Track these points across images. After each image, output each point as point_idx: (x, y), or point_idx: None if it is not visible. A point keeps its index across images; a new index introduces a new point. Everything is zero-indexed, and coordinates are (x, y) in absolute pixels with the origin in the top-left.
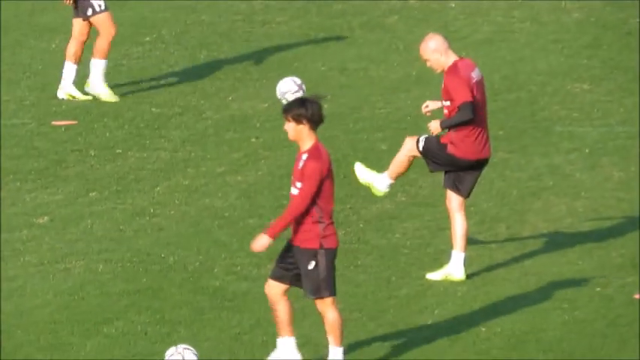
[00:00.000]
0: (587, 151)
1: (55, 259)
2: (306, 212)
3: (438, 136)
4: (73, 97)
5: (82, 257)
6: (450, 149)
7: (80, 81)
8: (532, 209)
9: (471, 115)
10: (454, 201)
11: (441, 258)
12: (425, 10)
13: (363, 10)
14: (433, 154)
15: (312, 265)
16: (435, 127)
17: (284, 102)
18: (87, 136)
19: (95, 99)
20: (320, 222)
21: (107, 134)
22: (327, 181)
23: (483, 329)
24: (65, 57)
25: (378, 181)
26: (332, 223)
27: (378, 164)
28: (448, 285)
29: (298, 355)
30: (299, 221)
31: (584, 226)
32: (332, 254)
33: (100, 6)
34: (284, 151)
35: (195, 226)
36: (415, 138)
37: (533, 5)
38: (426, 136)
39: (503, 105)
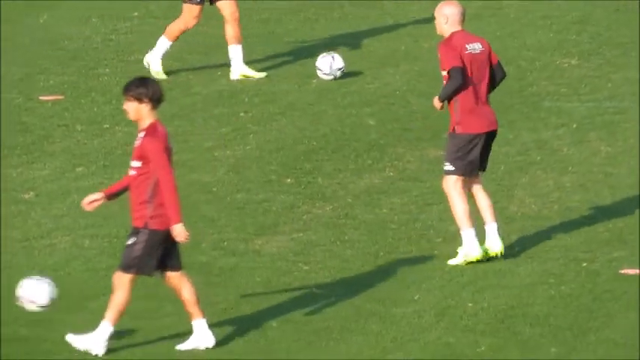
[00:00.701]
0: (574, 126)
1: (40, 235)
2: (138, 192)
3: (449, 140)
4: (248, 77)
5: (68, 233)
6: (459, 130)
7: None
8: (519, 184)
9: (460, 79)
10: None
11: (428, 233)
12: None
13: None
14: (457, 157)
15: (131, 241)
16: (435, 102)
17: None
18: (74, 111)
19: (82, 75)
20: (149, 202)
21: (94, 109)
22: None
23: (470, 304)
24: (230, 41)
25: (466, 250)
26: (162, 204)
27: (366, 138)
28: (435, 260)
29: (212, 339)
30: (133, 200)
31: (572, 200)
32: (156, 235)
33: None
34: (273, 125)
35: (182, 201)
36: (444, 181)
37: None
38: (444, 167)
39: None
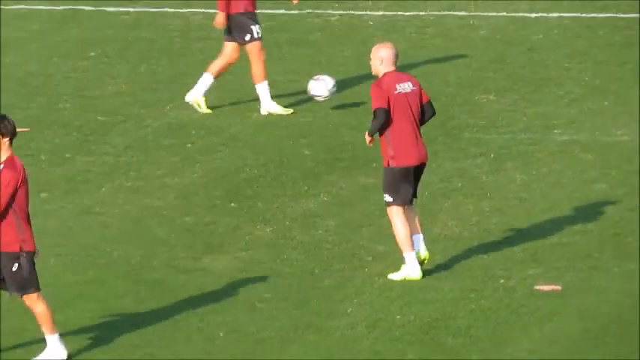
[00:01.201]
0: (492, 156)
1: None
2: (3, 218)
3: (385, 174)
4: (275, 114)
5: None
6: (393, 164)
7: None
8: (442, 208)
9: (383, 119)
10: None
11: (360, 253)
12: (345, 27)
13: (289, 27)
14: (394, 188)
15: (15, 267)
16: (366, 137)
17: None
18: (38, 141)
19: (45, 109)
20: (18, 226)
21: (56, 140)
22: (22, 189)
23: (398, 317)
24: (257, 79)
25: (408, 270)
26: (29, 226)
27: (302, 167)
28: (365, 277)
29: (64, 353)
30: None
31: (490, 223)
32: (31, 256)
33: (257, 33)
34: (217, 155)
35: (136, 224)
36: (387, 210)
37: (444, 23)
38: (384, 199)
39: None
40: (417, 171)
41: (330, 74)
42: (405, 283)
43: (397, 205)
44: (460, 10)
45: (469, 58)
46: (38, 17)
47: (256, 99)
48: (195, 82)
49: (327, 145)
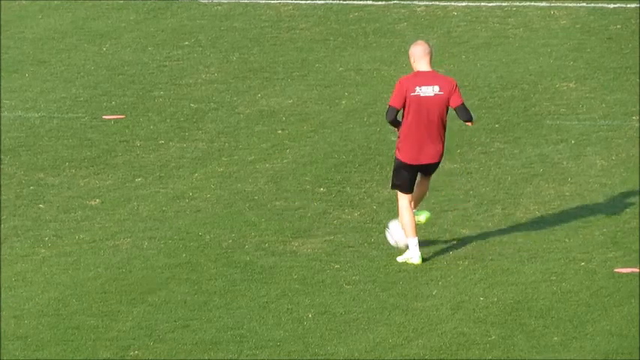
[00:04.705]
0: (573, 142)
1: (105, 237)
2: None
3: (394, 160)
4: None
5: (129, 235)
6: (395, 154)
7: None
8: (524, 193)
9: (387, 117)
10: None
11: (445, 236)
12: (430, 17)
13: (376, 18)
14: (397, 176)
15: None
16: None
17: None
18: (133, 128)
19: (140, 97)
20: None
21: (151, 127)
22: None
23: (482, 299)
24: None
25: (409, 254)
26: None
27: (389, 153)
28: (450, 260)
29: None
30: None
31: (571, 208)
32: None
33: None
34: (307, 142)
35: (228, 208)
36: (397, 194)
37: (526, 13)
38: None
39: (499, 101)
40: (423, 169)
41: None
42: (488, 266)
43: (401, 191)
44: (541, 1)
45: (550, 47)
46: (134, 8)
47: (344, 86)
48: (285, 71)
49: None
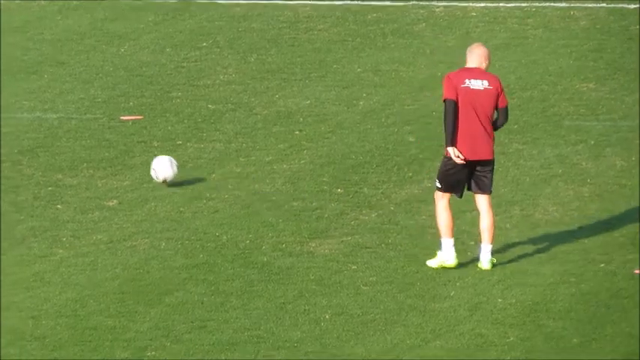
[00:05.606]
0: (592, 142)
1: (123, 238)
2: None
3: (441, 160)
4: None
5: (147, 236)
6: (445, 152)
7: None
8: (543, 194)
9: (449, 108)
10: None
11: (462, 237)
12: (449, 18)
13: (394, 18)
14: (442, 176)
15: None
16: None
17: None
18: (151, 129)
19: (158, 98)
20: None
21: (169, 128)
22: None
23: (500, 300)
24: None
25: (443, 256)
26: None
27: (407, 153)
28: (468, 261)
29: None
30: None
31: (590, 209)
32: None
33: None
34: (324, 142)
35: (245, 209)
36: (434, 193)
37: (545, 14)
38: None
39: (518, 102)
40: (474, 166)
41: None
42: (506, 267)
43: (442, 192)
44: (561, 2)
45: (569, 48)
46: (153, 9)
47: (362, 87)
48: (302, 72)
49: (430, 132)
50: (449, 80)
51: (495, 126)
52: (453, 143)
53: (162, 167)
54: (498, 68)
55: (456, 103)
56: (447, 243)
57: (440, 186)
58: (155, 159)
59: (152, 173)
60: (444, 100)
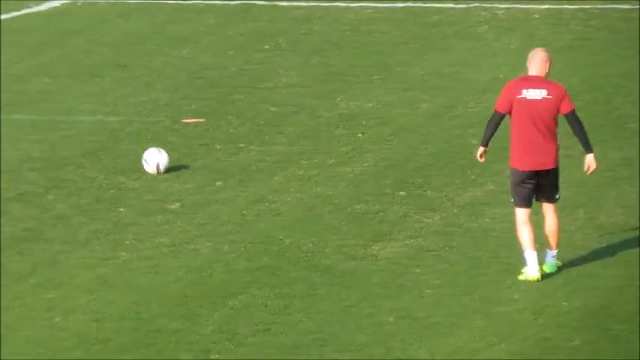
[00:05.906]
0: None
1: (185, 241)
2: None
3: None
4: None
5: (210, 239)
6: (510, 164)
7: None
8: (608, 197)
9: (492, 120)
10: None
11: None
12: (511, 20)
13: (456, 21)
14: (512, 188)
15: None
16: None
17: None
18: (213, 132)
19: (220, 100)
20: None
21: (231, 130)
22: None
23: (564, 303)
24: None
25: (527, 270)
26: None
27: (470, 156)
28: None
29: None
30: None
31: None
32: None
33: None
34: (387, 145)
35: (308, 212)
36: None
37: (608, 15)
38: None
39: (582, 104)
40: (539, 176)
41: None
42: (571, 270)
43: (516, 205)
44: (624, 3)
45: (633, 50)
46: (214, 12)
47: (425, 90)
48: (365, 74)
49: (494, 135)
50: (506, 90)
51: (576, 133)
52: (484, 145)
53: (152, 155)
54: (562, 70)
55: (501, 116)
56: (530, 256)
57: (513, 200)
58: (144, 153)
59: (145, 166)
60: (494, 109)
